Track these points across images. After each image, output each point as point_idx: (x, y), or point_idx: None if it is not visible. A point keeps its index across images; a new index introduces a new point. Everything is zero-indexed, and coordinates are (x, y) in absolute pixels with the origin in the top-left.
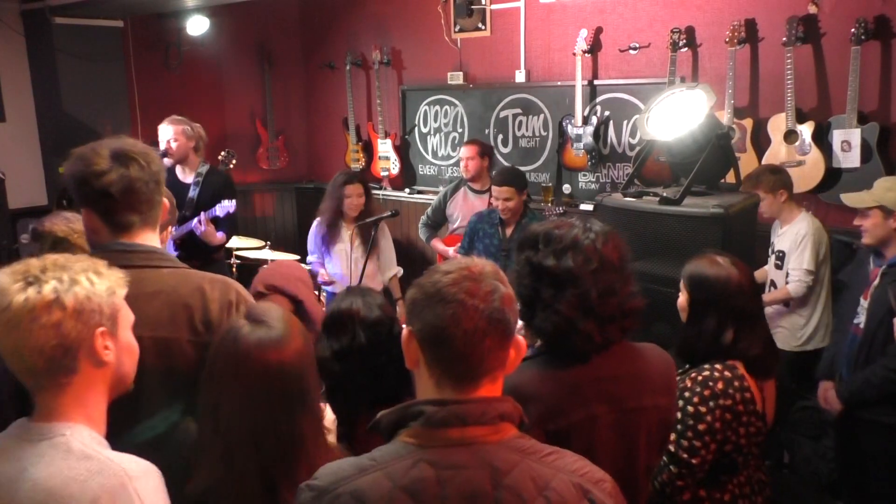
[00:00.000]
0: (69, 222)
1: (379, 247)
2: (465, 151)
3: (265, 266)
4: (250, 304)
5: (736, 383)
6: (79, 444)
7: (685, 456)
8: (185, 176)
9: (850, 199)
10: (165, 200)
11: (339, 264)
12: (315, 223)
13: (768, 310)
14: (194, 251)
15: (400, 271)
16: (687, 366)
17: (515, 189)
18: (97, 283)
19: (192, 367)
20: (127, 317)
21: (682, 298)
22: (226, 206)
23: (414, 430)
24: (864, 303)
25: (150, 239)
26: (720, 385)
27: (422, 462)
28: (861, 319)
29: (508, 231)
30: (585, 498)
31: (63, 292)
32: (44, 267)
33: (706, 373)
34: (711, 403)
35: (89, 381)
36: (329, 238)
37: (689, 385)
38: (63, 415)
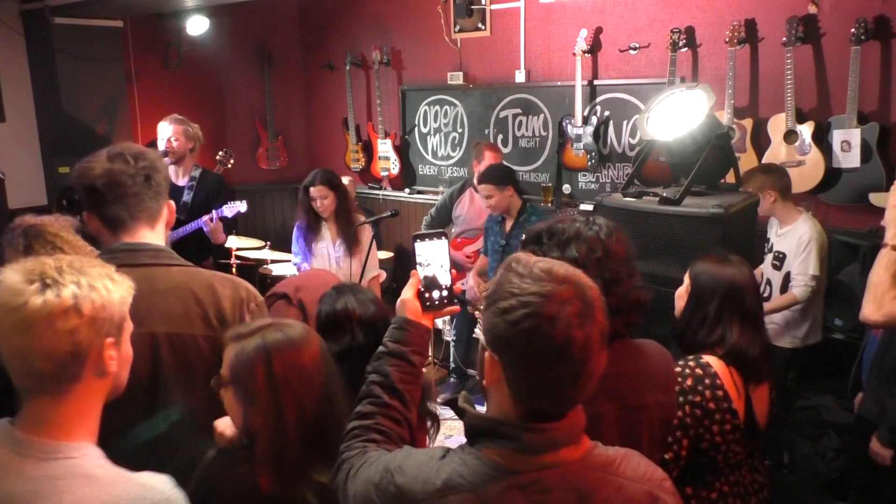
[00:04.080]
0: (39, 216)
1: (365, 247)
2: (490, 156)
3: (312, 271)
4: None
5: (707, 381)
6: (97, 467)
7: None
8: (178, 179)
9: (878, 199)
10: (172, 204)
11: (321, 263)
12: (296, 224)
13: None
14: (185, 257)
15: (382, 275)
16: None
17: (493, 186)
18: (112, 291)
19: (207, 361)
20: (129, 327)
21: (683, 287)
22: (236, 207)
23: (505, 452)
24: None
25: (152, 238)
26: (689, 381)
27: (514, 487)
28: None
29: (507, 226)
30: (655, 503)
31: (81, 298)
32: (60, 268)
33: (677, 369)
34: (681, 399)
35: (91, 390)
36: (310, 238)
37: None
38: (65, 428)
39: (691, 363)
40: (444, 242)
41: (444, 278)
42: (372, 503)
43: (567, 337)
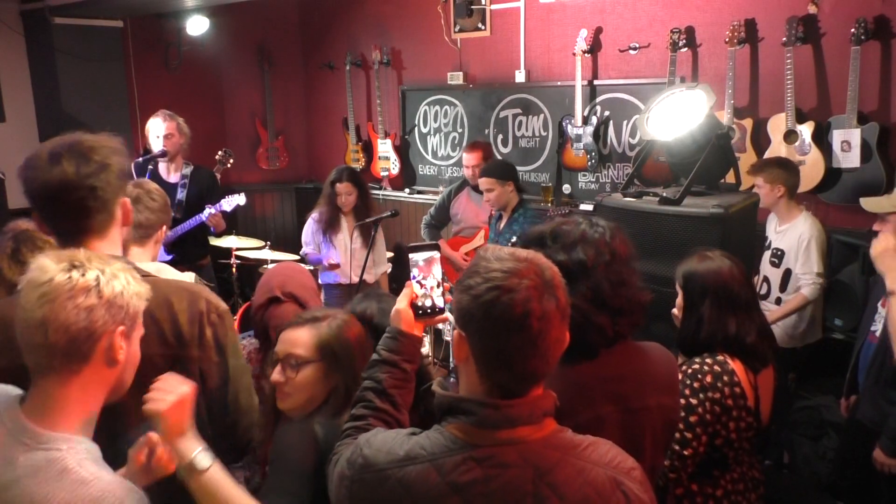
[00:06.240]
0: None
1: (376, 244)
2: (469, 159)
3: (277, 267)
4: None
5: (725, 378)
6: (75, 463)
7: (677, 448)
8: (170, 175)
9: (869, 204)
10: (128, 202)
11: (338, 254)
12: (311, 216)
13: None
14: (184, 256)
15: (389, 267)
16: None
17: (495, 179)
18: (132, 284)
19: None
20: (140, 328)
21: (678, 298)
22: (234, 200)
23: (464, 427)
24: (881, 310)
25: (106, 248)
26: (709, 378)
27: (470, 459)
28: (878, 327)
29: (501, 224)
30: (619, 489)
31: (103, 282)
32: (89, 258)
33: (696, 366)
34: (701, 395)
35: (97, 376)
36: (329, 230)
37: (679, 378)
38: (65, 414)
39: (708, 360)
40: (436, 255)
41: (437, 290)
42: (344, 476)
43: (526, 308)
